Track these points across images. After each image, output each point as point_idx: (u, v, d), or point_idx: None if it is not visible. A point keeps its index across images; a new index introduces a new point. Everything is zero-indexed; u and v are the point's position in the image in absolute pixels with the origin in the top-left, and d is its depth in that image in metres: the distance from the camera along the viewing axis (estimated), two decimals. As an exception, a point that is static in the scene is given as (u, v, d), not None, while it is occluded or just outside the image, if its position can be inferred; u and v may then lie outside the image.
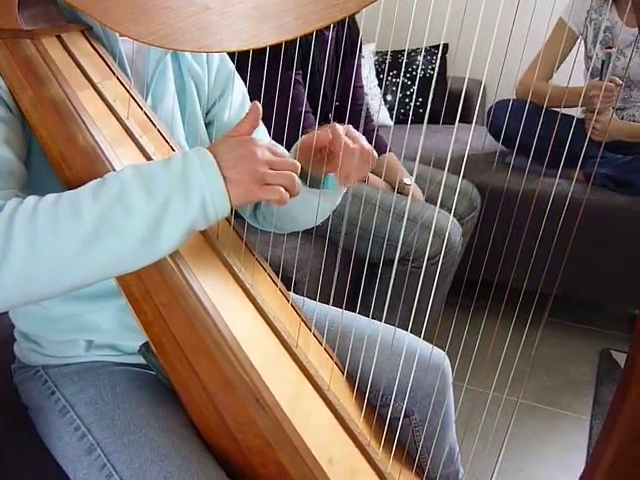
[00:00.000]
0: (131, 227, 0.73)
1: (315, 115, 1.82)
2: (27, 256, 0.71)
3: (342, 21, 1.86)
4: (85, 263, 0.73)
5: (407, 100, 2.87)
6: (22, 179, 0.80)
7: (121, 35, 0.75)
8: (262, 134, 1.13)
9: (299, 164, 0.81)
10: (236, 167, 0.77)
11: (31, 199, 0.74)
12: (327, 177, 1.01)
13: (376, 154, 0.96)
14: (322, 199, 0.99)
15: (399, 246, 1.72)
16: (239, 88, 1.13)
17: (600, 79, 2.11)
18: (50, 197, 0.74)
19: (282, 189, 0.78)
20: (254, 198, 0.78)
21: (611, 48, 2.06)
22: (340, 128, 0.93)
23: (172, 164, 0.76)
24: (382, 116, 2.79)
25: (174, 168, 0.76)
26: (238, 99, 1.12)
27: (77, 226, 0.72)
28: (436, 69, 2.89)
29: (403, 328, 1.12)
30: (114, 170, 0.81)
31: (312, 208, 1.00)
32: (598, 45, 2.21)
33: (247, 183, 0.77)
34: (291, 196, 0.79)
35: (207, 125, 1.10)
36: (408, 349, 1.06)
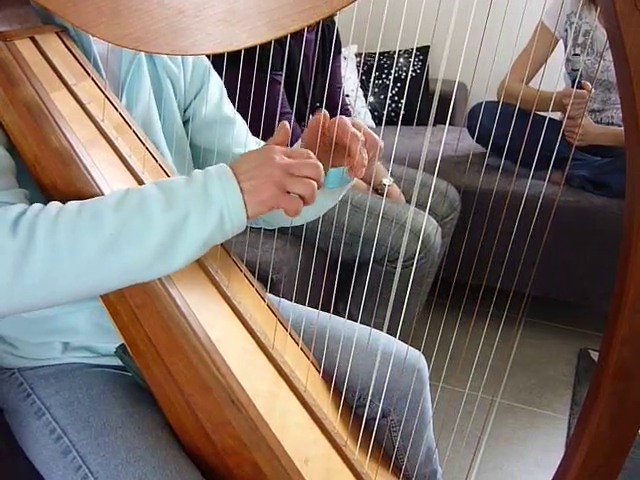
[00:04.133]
0: (149, 237, 0.75)
1: (296, 116, 1.83)
2: (47, 260, 0.73)
3: (321, 23, 1.88)
4: (102, 270, 0.75)
5: (389, 102, 2.89)
6: (14, 172, 0.82)
7: (94, 37, 0.75)
8: (247, 138, 1.13)
9: (320, 164, 0.80)
10: (254, 177, 0.78)
11: (54, 205, 0.76)
12: (330, 172, 1.00)
13: (382, 142, 0.94)
14: (325, 196, 0.98)
15: (374, 246, 1.73)
16: (216, 83, 1.13)
17: (572, 86, 2.13)
18: (73, 205, 0.77)
19: (300, 200, 0.79)
20: (273, 205, 0.79)
21: (578, 55, 2.08)
22: (346, 119, 0.92)
23: (193, 180, 0.79)
24: (364, 118, 2.80)
25: (195, 183, 0.78)
26: (216, 94, 1.12)
27: (96, 234, 0.74)
28: (408, 70, 2.90)
29: (380, 328, 1.13)
30: (88, 172, 0.81)
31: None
32: (578, 50, 2.24)
33: (266, 190, 0.78)
34: (306, 205, 0.79)
35: (185, 122, 1.10)
36: (384, 349, 1.07)
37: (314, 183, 0.79)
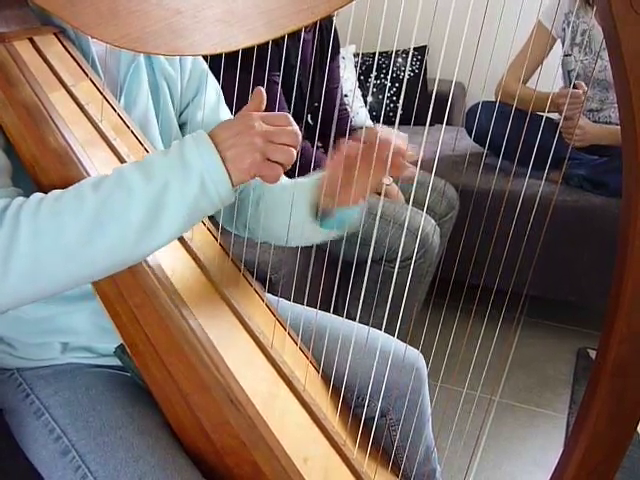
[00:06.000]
0: (131, 210, 0.75)
1: (293, 116, 1.83)
2: (32, 247, 0.72)
3: (319, 23, 1.88)
4: (89, 251, 0.74)
5: (387, 101, 2.89)
6: (10, 172, 0.82)
7: (92, 38, 0.75)
8: None
9: (299, 133, 0.81)
10: (235, 145, 0.77)
11: (37, 195, 0.76)
12: (341, 213, 1.00)
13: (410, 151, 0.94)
14: (321, 234, 1.01)
15: (372, 246, 1.73)
16: (213, 88, 1.13)
17: (566, 86, 2.14)
18: (55, 192, 0.77)
19: (280, 167, 0.79)
20: (255, 173, 0.79)
21: (569, 56, 2.09)
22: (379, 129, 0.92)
23: (170, 150, 0.78)
24: (362, 117, 2.80)
25: (171, 153, 0.78)
26: (212, 99, 1.12)
27: (78, 214, 0.74)
28: (406, 70, 2.91)
29: (379, 328, 1.13)
30: (87, 172, 0.81)
31: (308, 234, 1.02)
32: (575, 49, 2.24)
33: (248, 158, 0.78)
34: (284, 170, 0.81)
35: (181, 126, 1.10)
36: (383, 349, 1.07)
37: (293, 150, 0.80)
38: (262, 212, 1.05)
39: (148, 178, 0.75)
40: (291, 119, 0.81)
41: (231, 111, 1.14)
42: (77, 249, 0.74)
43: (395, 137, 0.93)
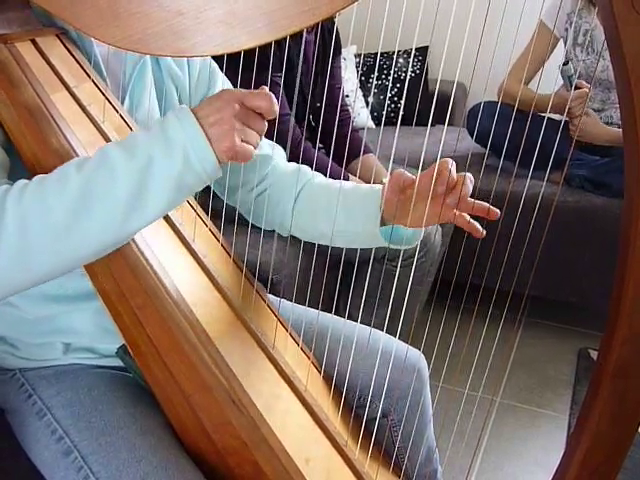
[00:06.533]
0: (116, 189, 0.74)
1: (295, 117, 1.83)
2: (20, 232, 0.72)
3: (321, 24, 1.88)
4: (77, 232, 0.74)
5: (388, 102, 2.89)
6: (6, 167, 0.82)
7: (94, 39, 0.75)
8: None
9: (266, 124, 0.81)
10: (217, 122, 0.77)
11: (22, 181, 0.75)
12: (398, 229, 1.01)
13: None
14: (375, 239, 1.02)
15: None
16: (223, 86, 1.13)
17: (568, 90, 2.14)
18: (40, 175, 0.76)
19: (252, 149, 0.79)
20: (233, 154, 0.78)
21: (567, 64, 2.09)
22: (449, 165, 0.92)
23: (152, 127, 0.78)
24: (364, 118, 2.80)
25: (154, 129, 0.77)
26: None
27: (62, 194, 0.73)
28: (408, 71, 2.91)
29: (380, 328, 1.13)
30: None
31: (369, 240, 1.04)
32: (577, 49, 2.24)
33: (231, 134, 0.77)
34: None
35: None
36: (384, 349, 1.07)
37: (260, 137, 0.81)
38: (308, 213, 1.07)
39: (131, 154, 0.75)
40: (273, 99, 0.80)
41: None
42: (64, 230, 0.73)
43: (465, 178, 0.93)
